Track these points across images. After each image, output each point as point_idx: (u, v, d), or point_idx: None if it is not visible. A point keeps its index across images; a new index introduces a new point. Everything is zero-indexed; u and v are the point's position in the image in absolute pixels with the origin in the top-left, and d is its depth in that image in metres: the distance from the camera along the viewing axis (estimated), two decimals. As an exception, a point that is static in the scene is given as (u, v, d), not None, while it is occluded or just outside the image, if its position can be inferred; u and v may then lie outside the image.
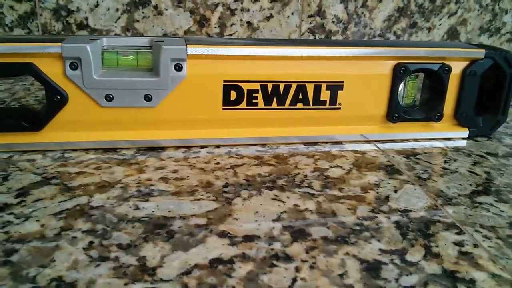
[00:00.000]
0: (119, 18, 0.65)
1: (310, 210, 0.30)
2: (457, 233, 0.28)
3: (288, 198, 0.31)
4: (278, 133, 0.41)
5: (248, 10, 0.68)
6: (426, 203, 0.32)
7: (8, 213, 0.27)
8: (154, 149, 0.38)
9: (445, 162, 0.39)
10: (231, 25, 0.69)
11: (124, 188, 0.31)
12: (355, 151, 0.40)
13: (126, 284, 0.22)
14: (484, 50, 0.43)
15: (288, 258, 0.25)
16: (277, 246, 0.26)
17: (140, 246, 0.25)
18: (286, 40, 0.58)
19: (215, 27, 0.68)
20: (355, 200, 0.32)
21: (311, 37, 0.73)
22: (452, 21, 0.77)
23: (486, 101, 0.45)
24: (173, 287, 0.22)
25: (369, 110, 0.42)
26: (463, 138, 0.45)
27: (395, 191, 0.33)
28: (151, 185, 0.32)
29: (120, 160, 0.36)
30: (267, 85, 0.39)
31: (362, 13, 0.73)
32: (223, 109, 0.39)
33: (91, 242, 0.25)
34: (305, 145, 0.41)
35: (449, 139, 0.45)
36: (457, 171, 0.38)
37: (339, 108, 0.41)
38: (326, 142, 0.42)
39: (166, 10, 0.66)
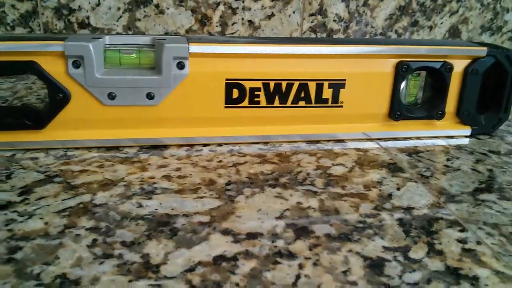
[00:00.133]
0: (120, 17, 0.65)
1: (313, 208, 0.30)
2: (460, 231, 0.28)
3: (291, 195, 0.31)
4: (281, 131, 0.41)
5: (250, 9, 0.68)
6: (429, 201, 0.32)
7: (11, 211, 0.27)
8: (157, 147, 0.38)
9: (448, 160, 0.39)
10: (233, 24, 0.69)
11: (127, 186, 0.31)
12: (358, 149, 0.40)
13: (130, 281, 0.22)
14: (486, 48, 0.43)
15: (291, 255, 0.25)
16: (280, 243, 0.26)
17: (144, 244, 0.25)
18: (288, 38, 0.58)
19: (217, 26, 0.68)
20: (358, 197, 0.32)
21: (313, 35, 0.73)
22: (454, 19, 0.77)
23: (488, 99, 0.45)
24: (177, 284, 0.22)
25: (371, 108, 0.42)
26: (466, 136, 0.45)
27: (398, 189, 0.33)
28: (154, 183, 0.32)
29: (123, 158, 0.36)
30: (269, 83, 0.39)
31: (364, 11, 0.73)
32: (225, 107, 0.39)
33: (94, 240, 0.25)
34: (307, 143, 0.41)
35: (451, 137, 0.45)
36: (460, 169, 0.38)
37: (341, 106, 0.41)
38: (328, 140, 0.42)
39: (168, 9, 0.66)
